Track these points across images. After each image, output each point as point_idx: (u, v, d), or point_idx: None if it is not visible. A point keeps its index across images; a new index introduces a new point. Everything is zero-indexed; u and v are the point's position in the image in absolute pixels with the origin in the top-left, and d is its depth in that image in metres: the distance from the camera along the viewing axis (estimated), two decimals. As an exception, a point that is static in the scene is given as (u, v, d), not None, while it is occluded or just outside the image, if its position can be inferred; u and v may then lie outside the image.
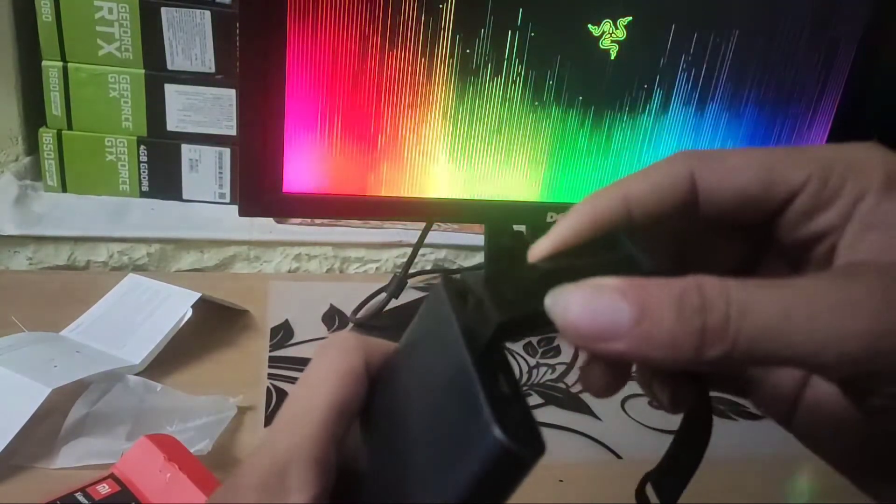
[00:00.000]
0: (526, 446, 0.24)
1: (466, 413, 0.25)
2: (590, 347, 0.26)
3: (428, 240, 0.98)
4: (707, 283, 0.25)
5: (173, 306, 0.83)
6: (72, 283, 0.95)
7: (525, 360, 0.90)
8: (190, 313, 0.82)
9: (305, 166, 0.80)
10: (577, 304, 0.26)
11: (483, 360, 0.26)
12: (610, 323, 0.25)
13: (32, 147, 1.11)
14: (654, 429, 0.80)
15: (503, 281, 0.29)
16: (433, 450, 0.27)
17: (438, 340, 0.29)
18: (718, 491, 0.73)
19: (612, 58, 0.83)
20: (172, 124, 1.07)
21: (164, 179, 1.10)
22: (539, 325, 0.27)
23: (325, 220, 1.11)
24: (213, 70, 1.06)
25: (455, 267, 1.14)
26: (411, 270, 0.99)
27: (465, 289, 0.29)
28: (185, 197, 1.11)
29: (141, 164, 1.08)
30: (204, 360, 0.82)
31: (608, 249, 0.30)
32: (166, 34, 1.03)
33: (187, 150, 1.08)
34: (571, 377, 0.87)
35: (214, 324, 0.88)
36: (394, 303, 0.95)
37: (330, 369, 0.31)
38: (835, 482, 0.78)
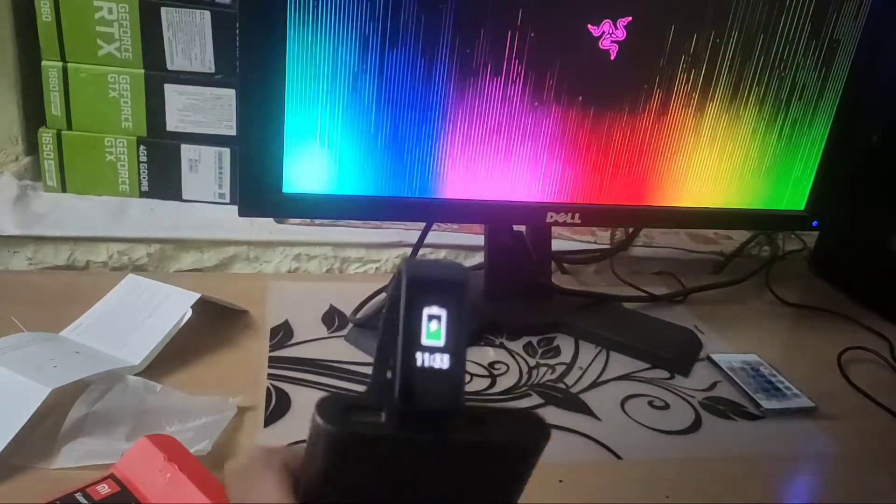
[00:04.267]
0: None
1: None
2: None
3: (428, 240, 0.98)
4: None
5: (173, 307, 0.83)
6: (71, 284, 0.95)
7: (525, 360, 0.90)
8: (190, 314, 0.82)
9: (305, 166, 0.80)
10: None
11: None
12: None
13: (32, 147, 1.11)
14: (653, 429, 0.80)
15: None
16: None
17: None
18: (717, 491, 0.72)
19: (612, 58, 0.83)
20: (172, 124, 1.07)
21: (163, 179, 1.10)
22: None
23: (325, 221, 1.10)
24: (212, 70, 1.06)
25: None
26: (411, 270, 0.98)
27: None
28: (184, 197, 1.11)
29: (140, 165, 1.08)
30: (204, 360, 0.82)
31: None
32: (166, 34, 1.03)
33: (187, 151, 1.08)
34: (571, 377, 0.87)
35: (214, 324, 0.87)
36: (393, 303, 0.95)
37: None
38: (835, 483, 0.78)
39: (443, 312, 0.32)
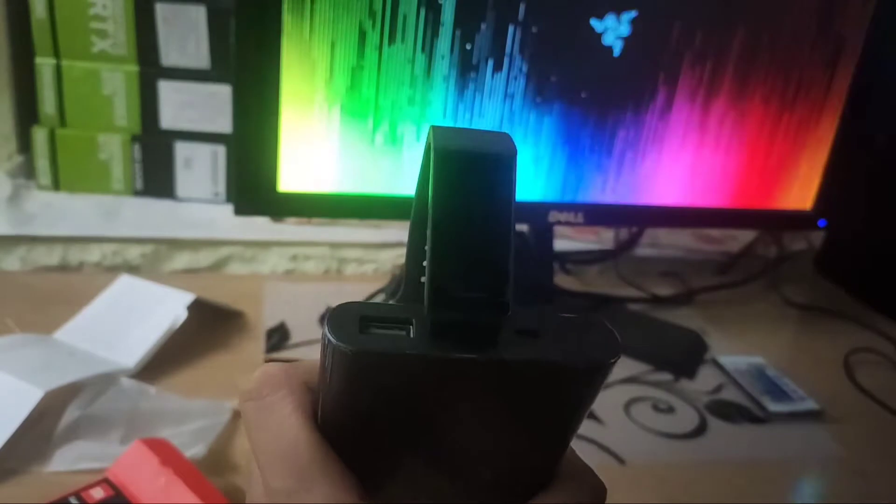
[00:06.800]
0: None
1: None
2: None
3: (427, 240, 0.97)
4: None
5: (167, 308, 0.82)
6: (64, 284, 0.94)
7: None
8: (184, 315, 0.81)
9: (302, 164, 0.79)
10: None
11: None
12: None
13: (25, 145, 1.10)
14: (658, 433, 0.79)
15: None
16: None
17: None
18: (722, 495, 0.71)
19: (616, 54, 0.82)
20: (166, 122, 1.06)
21: (157, 178, 1.08)
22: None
23: (322, 220, 1.09)
24: (208, 66, 1.04)
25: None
26: (410, 271, 0.97)
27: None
28: (179, 196, 1.10)
29: (134, 163, 1.07)
30: (198, 362, 0.81)
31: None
32: (161, 30, 1.01)
33: (181, 148, 1.07)
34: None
35: (209, 326, 0.86)
36: (392, 304, 0.94)
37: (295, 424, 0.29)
38: (841, 486, 0.77)
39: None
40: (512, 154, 0.25)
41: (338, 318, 0.25)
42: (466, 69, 0.78)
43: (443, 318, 0.25)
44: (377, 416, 0.27)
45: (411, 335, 0.25)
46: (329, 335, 0.25)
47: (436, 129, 0.25)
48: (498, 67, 0.79)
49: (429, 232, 0.25)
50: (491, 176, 0.25)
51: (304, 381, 0.30)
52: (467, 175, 0.25)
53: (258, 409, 0.30)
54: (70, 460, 0.64)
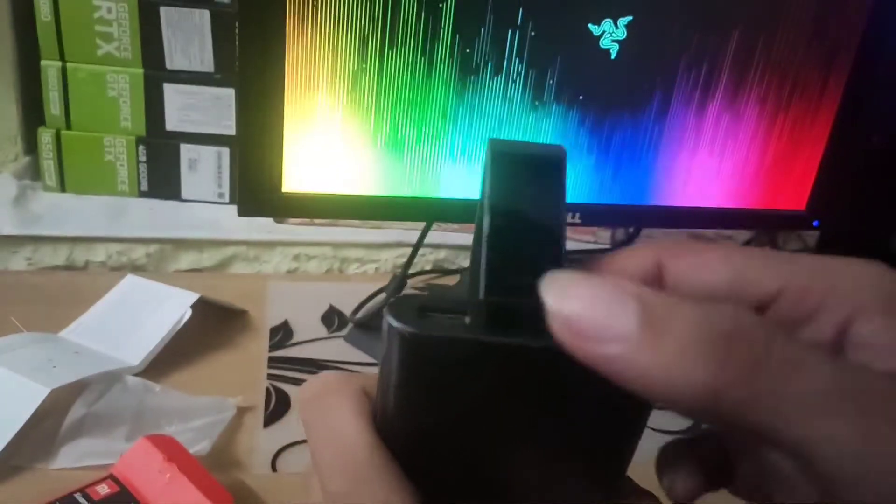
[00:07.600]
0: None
1: None
2: (578, 346, 0.24)
3: (428, 240, 0.98)
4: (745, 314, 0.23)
5: (172, 307, 0.83)
6: (70, 284, 0.95)
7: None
8: (189, 314, 0.82)
9: (305, 166, 0.79)
10: (574, 289, 0.24)
11: None
12: (608, 317, 0.23)
13: (31, 147, 1.11)
14: (658, 430, 0.80)
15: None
16: None
17: None
18: (720, 492, 0.72)
19: (613, 57, 0.82)
20: (171, 124, 1.07)
21: (162, 179, 1.10)
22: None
23: (325, 220, 1.10)
24: (212, 69, 1.05)
25: (455, 267, 1.14)
26: (411, 271, 0.98)
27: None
28: (184, 197, 1.11)
29: (140, 164, 1.08)
30: (203, 360, 0.82)
31: None
32: (165, 33, 1.02)
33: (186, 150, 1.08)
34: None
35: (213, 324, 0.87)
36: (393, 303, 0.95)
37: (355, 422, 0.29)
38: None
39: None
40: (562, 155, 0.28)
41: (398, 306, 0.27)
42: (466, 72, 0.79)
43: (497, 303, 0.26)
44: (432, 415, 0.28)
45: (467, 323, 0.27)
46: (389, 319, 0.26)
47: (493, 140, 0.28)
48: (497, 71, 0.80)
49: (485, 224, 0.26)
50: (544, 172, 0.27)
51: (361, 387, 0.31)
52: (523, 172, 0.27)
53: (315, 413, 0.30)
54: (75, 457, 0.65)
